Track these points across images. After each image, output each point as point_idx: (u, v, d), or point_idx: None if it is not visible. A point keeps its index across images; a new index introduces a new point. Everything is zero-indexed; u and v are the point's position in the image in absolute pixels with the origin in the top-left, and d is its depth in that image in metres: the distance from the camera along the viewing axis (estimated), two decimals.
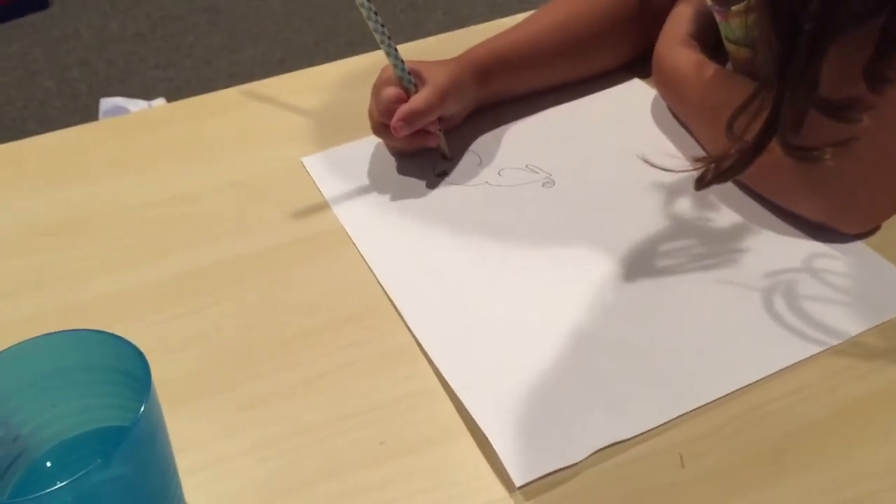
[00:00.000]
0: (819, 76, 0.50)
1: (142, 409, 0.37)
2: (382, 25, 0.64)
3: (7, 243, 0.66)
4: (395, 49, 0.65)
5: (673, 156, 0.67)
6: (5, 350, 0.41)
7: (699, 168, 0.57)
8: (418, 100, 0.65)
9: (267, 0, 2.62)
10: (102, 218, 0.68)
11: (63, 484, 0.35)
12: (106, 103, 1.88)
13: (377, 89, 0.67)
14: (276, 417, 0.51)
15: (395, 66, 0.65)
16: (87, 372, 0.42)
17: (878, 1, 0.49)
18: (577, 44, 0.74)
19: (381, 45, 0.64)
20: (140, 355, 0.39)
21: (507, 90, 0.74)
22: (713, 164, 0.56)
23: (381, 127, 0.67)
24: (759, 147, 0.53)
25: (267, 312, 0.58)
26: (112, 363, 0.41)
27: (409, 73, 0.66)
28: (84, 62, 2.39)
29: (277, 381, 0.53)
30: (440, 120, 0.68)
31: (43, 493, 0.35)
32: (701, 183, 0.57)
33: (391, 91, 0.65)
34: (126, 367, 0.40)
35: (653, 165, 0.64)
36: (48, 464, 0.43)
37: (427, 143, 0.68)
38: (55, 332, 0.42)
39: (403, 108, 0.64)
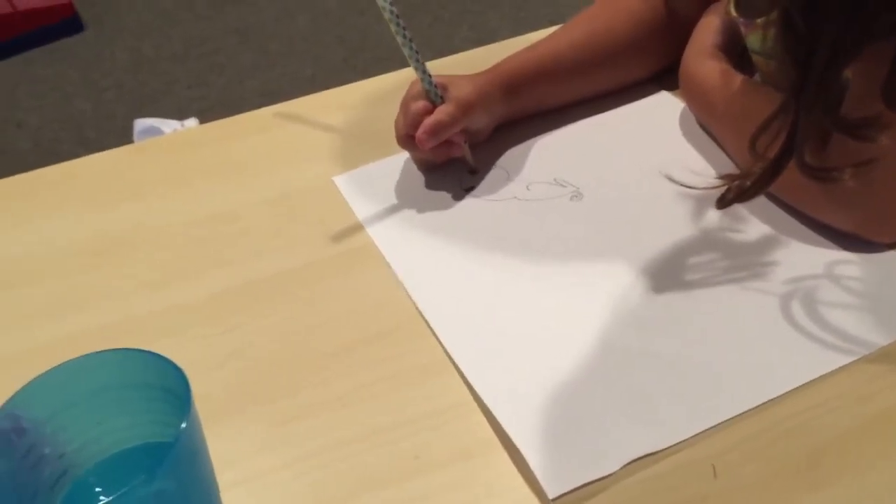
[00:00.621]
0: (835, 97, 0.49)
1: (183, 424, 0.38)
2: (410, 40, 0.65)
3: (49, 264, 0.68)
4: (423, 63, 0.66)
5: (699, 171, 0.67)
6: (51, 370, 0.42)
7: (722, 186, 0.57)
8: (443, 111, 0.66)
9: (295, 19, 2.65)
10: (140, 238, 0.69)
11: (107, 500, 0.35)
12: (140, 124, 1.92)
13: (406, 103, 0.68)
14: (313, 433, 0.51)
15: (422, 79, 0.66)
16: (130, 389, 0.43)
17: (893, 22, 0.48)
18: (604, 57, 0.74)
19: (409, 60, 0.65)
20: (180, 373, 0.40)
21: (535, 104, 0.75)
22: (735, 183, 0.56)
23: (406, 139, 0.68)
24: (777, 168, 0.53)
25: (302, 329, 0.59)
26: (154, 381, 0.42)
27: (436, 87, 0.67)
28: (119, 84, 2.44)
29: (313, 397, 0.54)
30: (467, 134, 0.69)
31: None
32: (722, 202, 0.57)
33: (420, 104, 0.67)
34: (167, 385, 0.41)
35: (676, 183, 0.64)
36: (93, 480, 0.44)
37: (452, 153, 0.69)
38: (99, 352, 0.43)
39: (428, 120, 0.65)
